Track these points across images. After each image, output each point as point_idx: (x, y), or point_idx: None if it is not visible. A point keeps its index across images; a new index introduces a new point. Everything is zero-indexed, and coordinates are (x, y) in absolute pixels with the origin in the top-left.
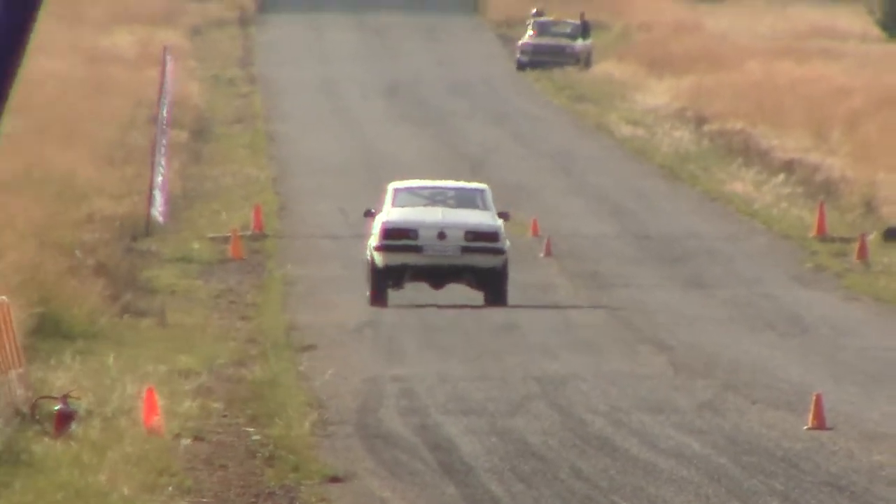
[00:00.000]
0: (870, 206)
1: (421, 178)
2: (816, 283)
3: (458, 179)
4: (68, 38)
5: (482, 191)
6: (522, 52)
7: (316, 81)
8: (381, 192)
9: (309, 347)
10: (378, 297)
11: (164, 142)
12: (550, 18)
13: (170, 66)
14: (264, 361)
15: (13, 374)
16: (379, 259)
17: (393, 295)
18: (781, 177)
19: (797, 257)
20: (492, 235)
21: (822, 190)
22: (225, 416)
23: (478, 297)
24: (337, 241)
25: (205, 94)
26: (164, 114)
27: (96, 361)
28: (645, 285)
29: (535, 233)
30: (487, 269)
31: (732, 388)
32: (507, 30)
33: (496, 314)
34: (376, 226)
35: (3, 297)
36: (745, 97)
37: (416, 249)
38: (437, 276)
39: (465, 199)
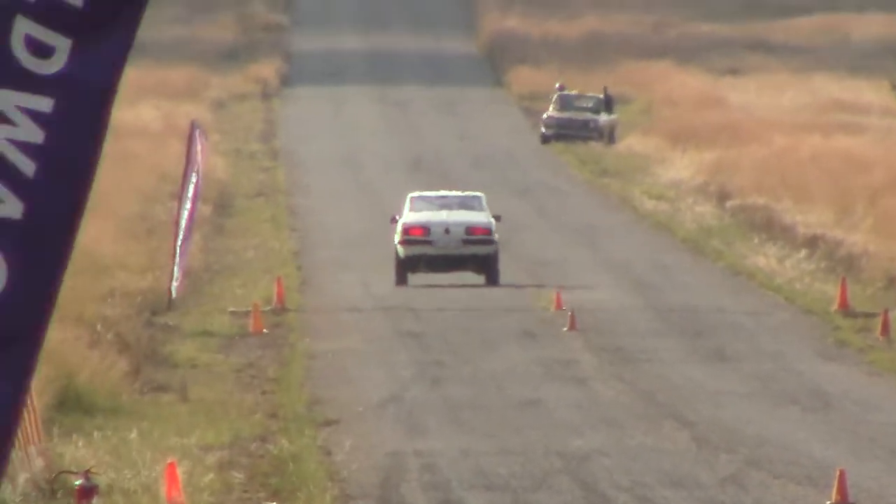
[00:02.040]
0: (892, 281)
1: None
2: (839, 357)
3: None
4: None
5: (479, 197)
6: (546, 126)
7: (338, 155)
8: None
9: (331, 422)
10: (401, 280)
11: (185, 215)
12: (574, 92)
13: (199, 140)
14: (286, 436)
15: (34, 448)
16: (401, 251)
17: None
18: (804, 252)
19: (820, 332)
20: (486, 230)
21: (845, 265)
22: (246, 490)
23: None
24: (359, 314)
25: (227, 168)
26: (191, 188)
27: (117, 436)
28: (668, 359)
29: (559, 306)
30: (483, 256)
31: (755, 463)
32: (530, 103)
33: (520, 390)
34: (398, 226)
35: None
36: (768, 171)
37: (428, 243)
38: (445, 263)
39: (466, 204)
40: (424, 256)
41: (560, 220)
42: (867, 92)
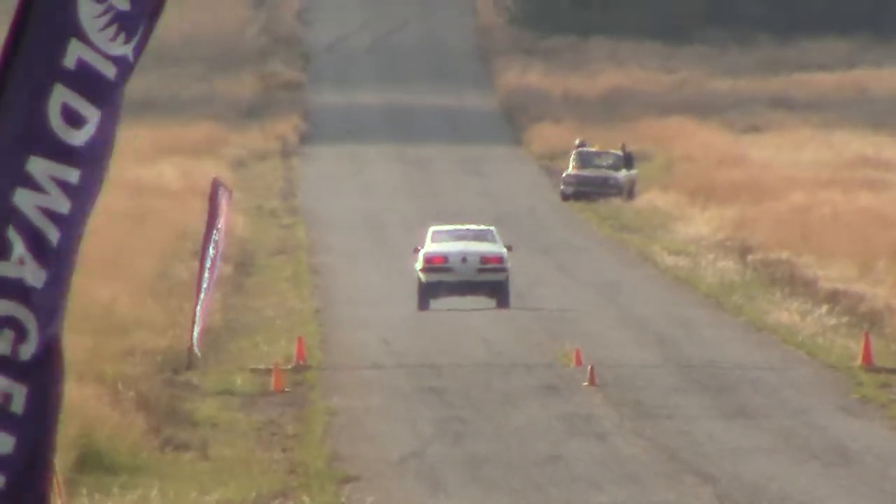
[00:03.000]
0: None
1: (463, 309)
2: (863, 413)
3: (502, 309)
4: (112, 171)
5: (491, 230)
6: (566, 184)
7: (358, 213)
8: (422, 318)
9: (352, 479)
10: (423, 305)
11: (207, 274)
12: (594, 149)
13: (223, 198)
14: (307, 492)
15: None
16: (423, 277)
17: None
18: (826, 307)
19: (843, 387)
20: (499, 259)
21: (867, 320)
22: None
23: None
24: (380, 371)
25: (248, 226)
26: (212, 247)
27: (139, 495)
28: (689, 415)
29: (579, 363)
30: (496, 283)
31: None
32: (549, 161)
33: (541, 446)
34: (420, 256)
35: None
36: (789, 227)
37: (447, 270)
38: (462, 288)
39: (480, 236)
40: (444, 282)
41: (580, 276)
42: (888, 147)
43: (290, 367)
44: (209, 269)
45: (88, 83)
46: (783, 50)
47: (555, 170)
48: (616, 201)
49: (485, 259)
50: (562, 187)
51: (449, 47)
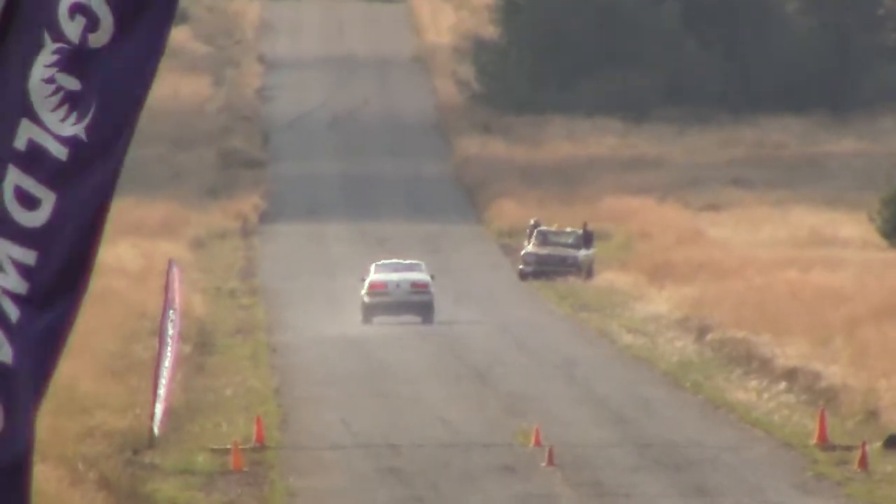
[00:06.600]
0: (871, 414)
1: (423, 387)
2: (818, 491)
3: (462, 386)
4: None
5: (420, 264)
6: (525, 263)
7: (318, 292)
8: (381, 398)
9: None
10: (367, 321)
11: (167, 354)
12: (553, 228)
13: (177, 279)
14: None
15: None
16: (367, 299)
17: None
18: (783, 384)
19: (798, 465)
20: (425, 285)
21: (824, 397)
22: None
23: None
24: (339, 452)
25: (207, 306)
26: (170, 327)
27: None
28: (648, 494)
29: (538, 442)
30: (423, 303)
31: None
32: (508, 238)
33: None
34: (366, 283)
35: None
36: (747, 306)
37: (386, 294)
38: (397, 307)
39: (412, 268)
40: (383, 303)
41: (540, 355)
42: (846, 224)
43: (249, 446)
44: (170, 348)
45: (41, 164)
46: (741, 128)
47: (514, 248)
48: (575, 280)
49: (414, 284)
50: (520, 266)
51: (409, 124)
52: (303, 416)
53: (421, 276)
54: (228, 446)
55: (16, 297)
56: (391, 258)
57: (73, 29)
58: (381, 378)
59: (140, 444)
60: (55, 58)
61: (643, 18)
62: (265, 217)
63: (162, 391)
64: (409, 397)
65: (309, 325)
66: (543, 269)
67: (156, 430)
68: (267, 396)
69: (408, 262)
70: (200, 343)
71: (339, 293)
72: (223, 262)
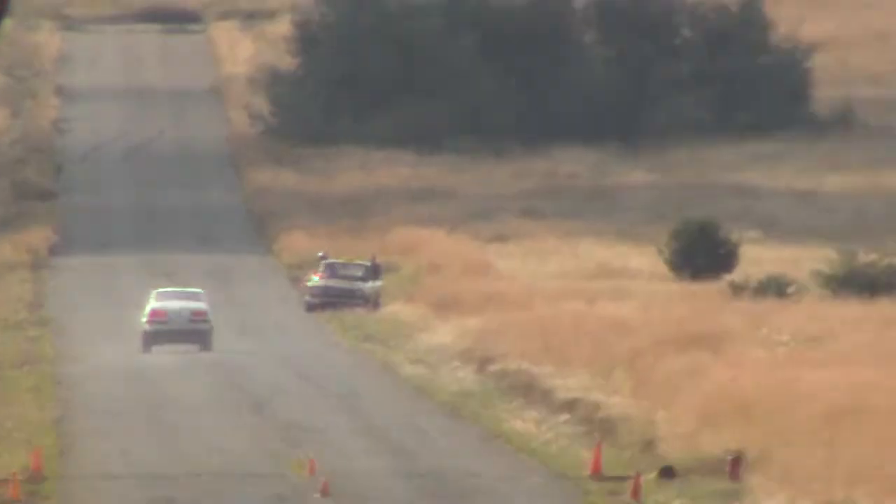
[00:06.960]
0: (649, 444)
1: (204, 418)
2: None
3: (241, 417)
4: None
5: (201, 293)
6: (312, 295)
7: (106, 324)
8: (161, 428)
9: None
10: (146, 349)
11: None
12: (341, 260)
13: None
14: None
15: None
16: (148, 327)
17: None
18: (563, 415)
19: (571, 497)
20: (203, 314)
21: (603, 428)
22: None
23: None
24: (115, 482)
25: None
26: None
27: None
28: None
29: (312, 472)
30: (202, 331)
31: None
32: (298, 270)
33: None
34: (146, 310)
35: None
36: (531, 337)
37: (166, 322)
38: (177, 336)
39: (192, 297)
40: (163, 331)
41: (321, 386)
42: (634, 256)
43: (26, 477)
44: None
45: None
46: (534, 159)
47: (303, 280)
48: (362, 312)
49: (194, 313)
50: (307, 298)
51: (202, 156)
52: (82, 447)
53: (201, 304)
54: (7, 478)
55: None
56: (171, 288)
57: None
58: (163, 408)
59: None
60: None
61: (441, 50)
62: (55, 249)
63: None
64: (189, 427)
65: (95, 357)
66: (331, 301)
67: None
68: (48, 428)
69: (189, 290)
70: None
71: (127, 324)
72: (11, 294)
